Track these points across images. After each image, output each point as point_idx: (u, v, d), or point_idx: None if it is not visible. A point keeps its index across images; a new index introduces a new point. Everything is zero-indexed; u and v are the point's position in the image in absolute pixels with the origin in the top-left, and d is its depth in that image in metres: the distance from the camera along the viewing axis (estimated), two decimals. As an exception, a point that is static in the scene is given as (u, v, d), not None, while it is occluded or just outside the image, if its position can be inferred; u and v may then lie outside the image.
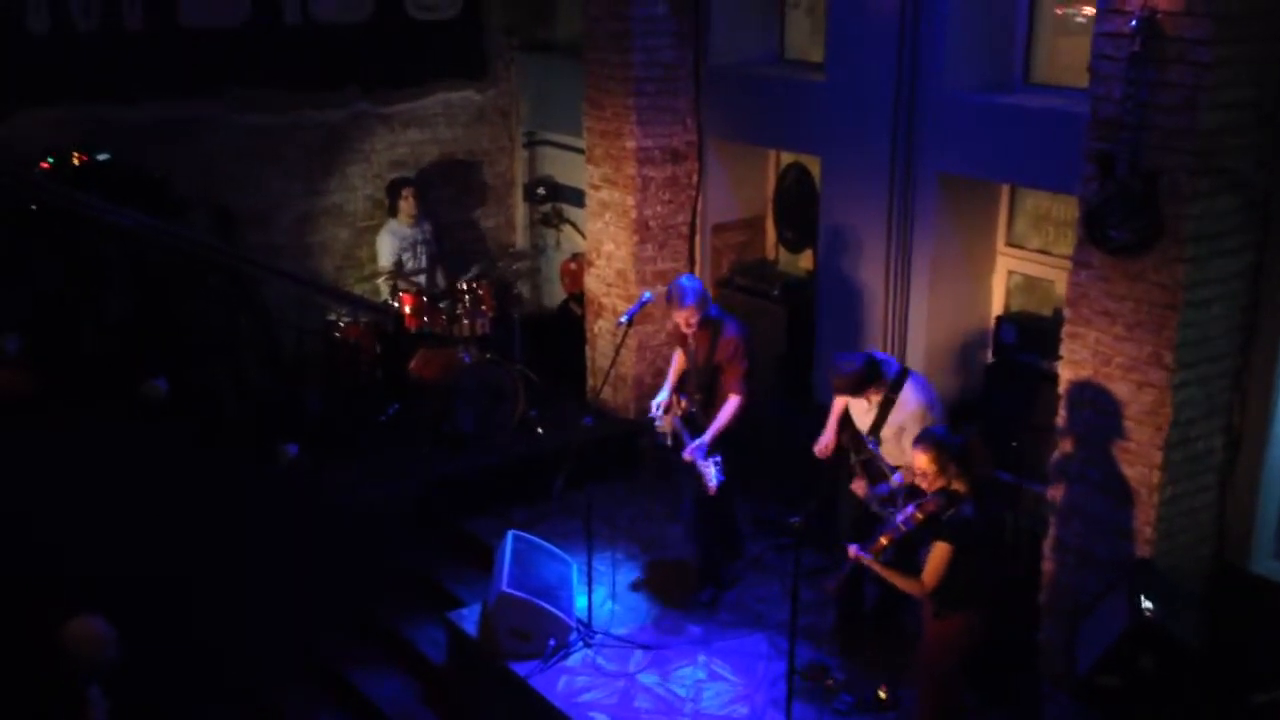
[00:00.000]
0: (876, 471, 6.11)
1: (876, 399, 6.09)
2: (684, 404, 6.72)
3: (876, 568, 5.33)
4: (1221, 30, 5.00)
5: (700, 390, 6.68)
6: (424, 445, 8.34)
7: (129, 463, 7.23)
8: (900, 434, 6.02)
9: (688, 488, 6.82)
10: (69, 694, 4.69)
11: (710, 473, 6.45)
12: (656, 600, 6.99)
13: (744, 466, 6.76)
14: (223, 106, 8.86)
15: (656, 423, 6.85)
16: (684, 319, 6.55)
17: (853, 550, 5.34)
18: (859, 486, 6.16)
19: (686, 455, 6.53)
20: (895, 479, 5.94)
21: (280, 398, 8.69)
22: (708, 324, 6.59)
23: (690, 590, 7.00)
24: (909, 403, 6.02)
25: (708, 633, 6.72)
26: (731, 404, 6.53)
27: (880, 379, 6.05)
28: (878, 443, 6.11)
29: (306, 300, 9.08)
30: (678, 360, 6.97)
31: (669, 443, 6.80)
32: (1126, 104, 5.12)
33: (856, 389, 6.04)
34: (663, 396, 6.81)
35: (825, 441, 6.38)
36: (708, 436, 6.51)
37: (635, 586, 7.10)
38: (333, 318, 8.96)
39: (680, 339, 6.84)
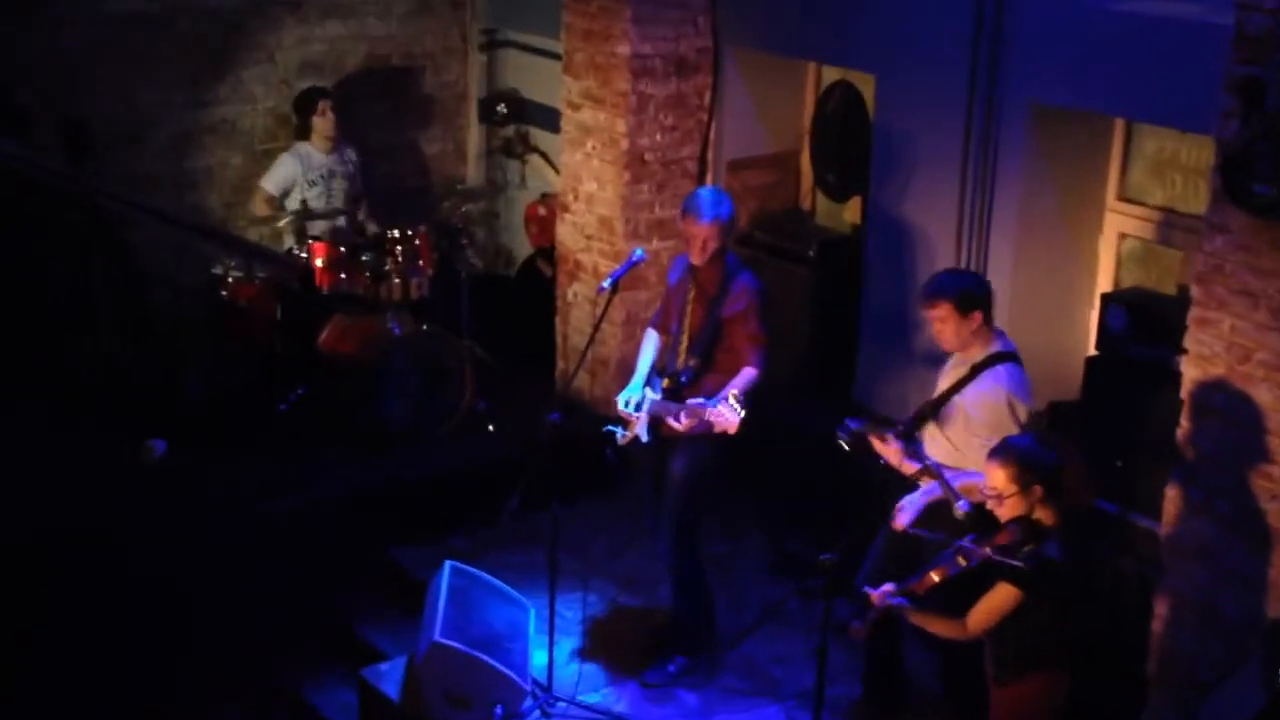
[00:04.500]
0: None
1: (974, 355, 6.03)
2: (666, 383, 6.59)
3: (910, 614, 5.39)
4: None
5: (695, 355, 6.54)
6: (337, 444, 8.38)
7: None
8: (965, 421, 5.98)
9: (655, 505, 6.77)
10: None
11: (726, 411, 6.08)
12: (608, 665, 6.96)
13: (749, 488, 6.66)
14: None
15: (619, 435, 6.72)
16: (700, 239, 6.38)
17: (876, 595, 5.38)
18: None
19: (683, 419, 6.26)
20: (961, 506, 5.93)
21: (149, 375, 8.68)
22: (719, 264, 6.48)
23: (651, 656, 6.94)
24: (988, 382, 5.96)
25: (705, 702, 6.75)
26: (746, 376, 6.38)
27: (985, 307, 5.96)
28: (923, 424, 6.07)
29: (185, 247, 9.07)
30: (654, 339, 6.89)
31: (644, 438, 6.64)
32: (1282, 16, 5.15)
33: (950, 295, 5.91)
34: (633, 391, 6.67)
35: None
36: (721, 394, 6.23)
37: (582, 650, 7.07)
38: (219, 271, 8.95)
39: (680, 281, 6.68)
